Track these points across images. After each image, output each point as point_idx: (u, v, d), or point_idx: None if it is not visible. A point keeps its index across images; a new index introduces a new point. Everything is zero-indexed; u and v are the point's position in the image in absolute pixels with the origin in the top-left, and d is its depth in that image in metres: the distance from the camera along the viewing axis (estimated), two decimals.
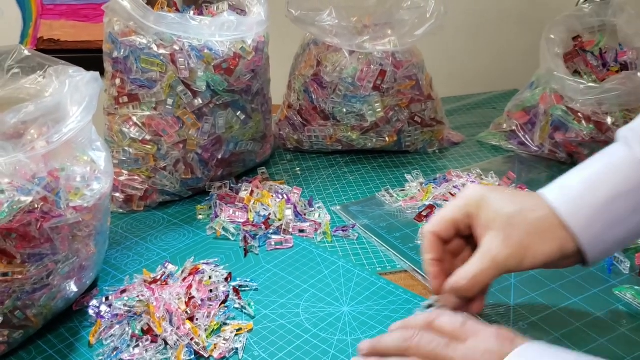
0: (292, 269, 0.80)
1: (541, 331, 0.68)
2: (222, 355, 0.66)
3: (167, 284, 0.75)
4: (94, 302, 0.74)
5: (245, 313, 0.73)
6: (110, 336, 0.69)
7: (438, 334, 0.58)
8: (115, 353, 0.67)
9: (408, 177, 1.00)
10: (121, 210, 0.96)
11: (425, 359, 0.56)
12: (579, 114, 0.99)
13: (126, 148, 0.92)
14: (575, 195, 0.62)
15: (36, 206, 0.62)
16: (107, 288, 0.77)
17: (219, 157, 0.97)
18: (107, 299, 0.74)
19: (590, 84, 0.97)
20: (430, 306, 0.67)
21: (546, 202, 0.62)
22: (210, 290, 0.74)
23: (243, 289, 0.77)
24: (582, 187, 0.62)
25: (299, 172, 1.07)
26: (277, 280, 0.78)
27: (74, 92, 0.67)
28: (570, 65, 1.06)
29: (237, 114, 0.96)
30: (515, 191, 0.67)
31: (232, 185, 0.98)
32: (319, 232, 0.87)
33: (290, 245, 0.85)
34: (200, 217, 0.93)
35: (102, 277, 0.81)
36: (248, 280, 0.78)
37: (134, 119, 0.91)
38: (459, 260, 0.67)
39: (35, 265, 0.64)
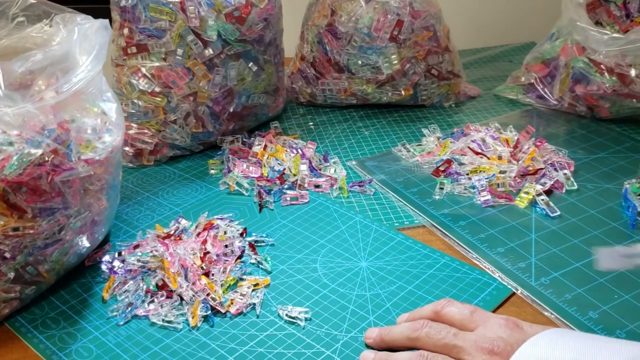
0: (308, 224, 0.79)
1: (563, 287, 0.66)
2: (239, 311, 0.65)
3: (181, 239, 0.73)
4: (107, 258, 0.72)
5: (261, 268, 0.71)
6: (124, 292, 0.68)
7: (447, 323, 0.57)
8: (129, 309, 0.66)
9: (425, 131, 0.97)
10: (131, 165, 0.93)
11: (434, 349, 0.55)
12: (602, 65, 0.96)
13: (135, 100, 0.89)
14: None
15: (46, 159, 0.60)
16: (119, 243, 0.75)
17: (231, 110, 0.94)
18: (119, 254, 0.72)
19: (615, 35, 0.93)
20: None
21: None
22: (226, 246, 0.72)
23: (259, 244, 0.75)
24: None
25: (312, 126, 1.05)
26: (294, 236, 0.77)
27: (83, 40, 0.64)
28: (592, 16, 1.02)
29: (249, 65, 0.93)
30: None
31: (244, 140, 0.96)
32: (334, 187, 0.85)
33: (306, 200, 0.83)
34: (212, 171, 0.91)
35: (114, 232, 0.79)
36: (264, 235, 0.76)
37: (143, 70, 0.88)
38: None
39: (46, 220, 0.62)
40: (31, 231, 0.61)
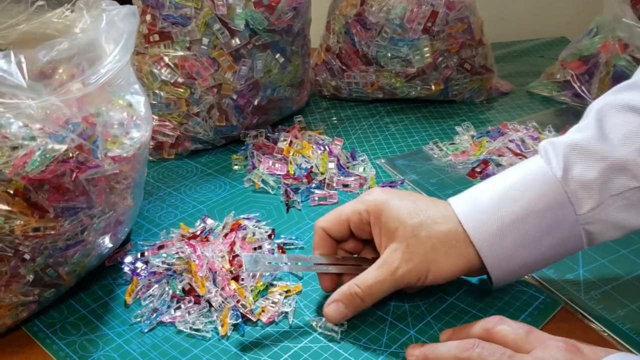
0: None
1: (615, 301, 0.62)
2: (271, 320, 0.61)
3: (207, 240, 0.70)
4: (129, 259, 0.69)
5: (292, 273, 0.68)
6: (148, 296, 0.64)
7: (499, 343, 0.53)
8: (155, 315, 0.62)
9: (458, 129, 0.93)
10: (151, 158, 0.89)
11: None
12: None
13: (157, 91, 0.85)
14: (483, 209, 0.57)
15: (71, 155, 0.56)
16: (141, 242, 0.72)
17: (255, 103, 0.90)
18: (142, 254, 0.69)
19: None
20: None
21: (453, 214, 0.58)
22: (254, 248, 0.68)
23: (288, 246, 0.71)
24: (492, 201, 0.57)
25: (336, 121, 1.00)
26: None
27: (110, 28, 0.60)
28: (635, 11, 0.98)
29: (277, 56, 0.88)
30: (422, 198, 0.61)
31: (268, 134, 0.92)
32: (364, 187, 0.81)
33: (335, 201, 0.79)
34: (235, 167, 0.87)
35: (135, 230, 0.75)
36: (293, 237, 0.72)
37: (166, 59, 0.84)
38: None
39: (69, 220, 0.58)
40: (52, 232, 0.57)
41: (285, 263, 0.61)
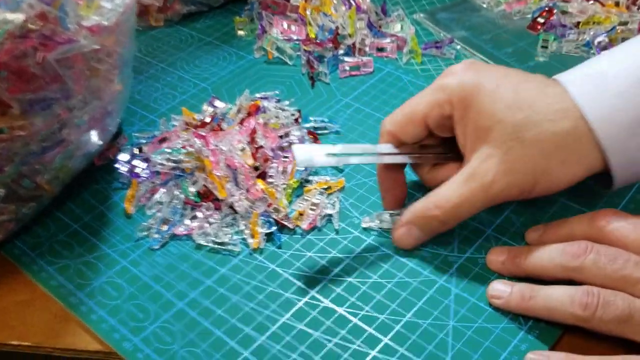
0: (378, 102, 0.61)
1: None
2: (313, 225, 0.49)
3: (220, 128, 0.56)
4: (124, 156, 0.55)
5: (331, 167, 0.54)
6: (154, 203, 0.51)
7: (616, 246, 0.41)
8: (166, 227, 0.49)
9: None
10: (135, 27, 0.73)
11: (605, 284, 0.40)
12: None
13: None
14: (617, 91, 0.41)
15: (32, 27, 0.40)
16: (137, 135, 0.58)
17: None
18: (140, 150, 0.55)
19: None
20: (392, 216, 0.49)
21: (571, 104, 0.41)
22: (281, 136, 0.54)
23: (320, 132, 0.58)
24: (627, 81, 0.41)
25: None
26: (362, 119, 0.59)
27: None
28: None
29: None
30: (525, 80, 0.44)
31: None
32: (404, 50, 0.66)
33: (370, 70, 0.64)
34: (240, 32, 0.71)
35: (126, 119, 0.61)
36: (325, 120, 0.58)
37: None
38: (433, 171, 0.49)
39: (41, 116, 0.43)
40: (21, 132, 0.43)
41: (348, 154, 0.46)
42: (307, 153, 0.44)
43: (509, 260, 0.44)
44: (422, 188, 0.50)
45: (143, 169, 0.54)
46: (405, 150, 0.47)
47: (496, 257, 0.45)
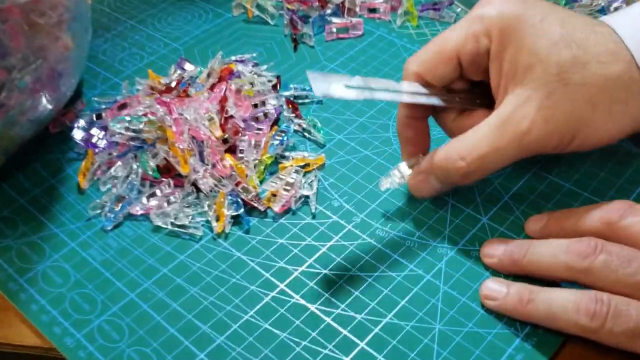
0: (367, 69, 0.54)
1: None
2: (286, 208, 0.44)
3: (187, 95, 0.49)
4: (80, 123, 0.49)
5: (309, 139, 0.49)
6: (110, 178, 0.46)
7: (630, 244, 0.36)
8: (120, 206, 0.44)
9: None
10: None
11: (617, 289, 0.34)
12: None
13: None
14: None
15: None
16: (97, 99, 0.52)
17: None
18: (98, 117, 0.49)
19: None
20: (411, 166, 0.43)
21: (623, 46, 0.36)
22: (255, 105, 0.49)
23: (301, 101, 0.52)
24: None
25: None
26: None
27: None
28: None
29: None
30: (573, 16, 0.38)
31: None
32: (398, 12, 0.59)
33: (360, 32, 0.58)
34: None
35: (88, 81, 0.55)
36: (307, 88, 0.52)
37: None
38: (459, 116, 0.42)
39: None
40: None
41: (370, 88, 0.39)
42: (324, 80, 0.37)
43: (506, 256, 0.39)
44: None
45: (100, 138, 0.48)
46: (434, 91, 0.41)
47: (492, 251, 0.40)
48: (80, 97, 0.52)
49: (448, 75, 0.40)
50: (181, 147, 0.44)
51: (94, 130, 0.48)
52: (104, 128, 0.48)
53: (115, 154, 0.47)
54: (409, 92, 0.40)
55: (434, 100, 0.41)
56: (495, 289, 0.37)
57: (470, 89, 0.42)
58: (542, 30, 0.37)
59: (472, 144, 0.38)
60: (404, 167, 0.42)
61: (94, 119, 0.49)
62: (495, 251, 0.39)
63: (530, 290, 0.36)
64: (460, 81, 0.42)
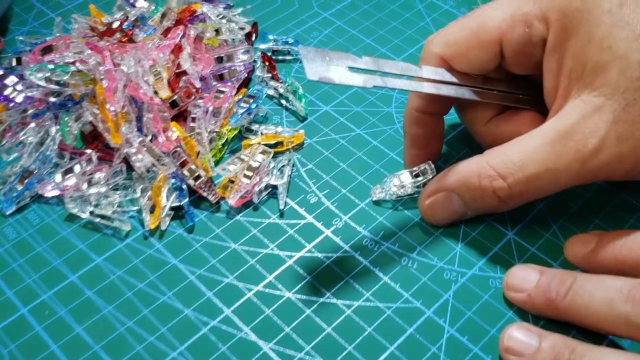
0: (369, 22, 0.43)
1: None
2: (246, 201, 0.33)
3: (131, 39, 0.38)
4: None
5: (287, 109, 0.37)
6: (19, 144, 0.34)
7: None
8: (26, 181, 0.33)
9: None
10: None
11: None
12: None
13: None
14: None
15: None
16: (22, 38, 0.40)
17: None
18: (19, 62, 0.38)
19: None
20: (417, 175, 0.31)
21: None
22: (219, 60, 0.37)
23: (281, 57, 0.40)
24: None
25: None
26: (344, 45, 0.41)
27: None
28: None
29: None
30: None
31: None
32: None
33: None
34: None
35: (17, 15, 0.44)
36: (289, 39, 0.41)
37: None
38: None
39: None
40: None
41: (381, 73, 0.29)
42: (322, 60, 0.26)
43: (539, 292, 0.28)
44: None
45: (18, 90, 0.37)
46: (463, 81, 0.31)
47: (519, 283, 0.29)
48: (2, 37, 0.41)
49: (483, 64, 0.31)
50: (112, 109, 0.33)
51: (10, 79, 0.37)
52: (22, 77, 0.37)
53: (30, 112, 0.36)
54: (435, 80, 0.30)
55: (465, 93, 0.31)
56: (522, 340, 0.27)
57: (510, 83, 0.31)
58: (620, 19, 0.27)
59: (519, 159, 0.28)
60: (406, 177, 0.32)
61: (13, 63, 0.38)
62: (525, 283, 0.28)
63: (572, 348, 0.25)
64: (497, 73, 0.31)
